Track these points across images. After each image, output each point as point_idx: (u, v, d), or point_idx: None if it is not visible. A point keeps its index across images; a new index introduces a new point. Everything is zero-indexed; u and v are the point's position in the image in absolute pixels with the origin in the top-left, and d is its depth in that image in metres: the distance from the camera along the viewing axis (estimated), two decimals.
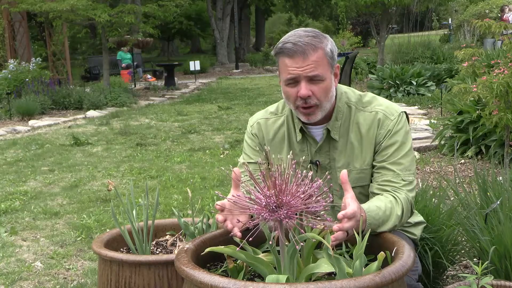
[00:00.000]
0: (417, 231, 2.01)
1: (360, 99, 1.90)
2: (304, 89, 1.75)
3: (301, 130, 1.90)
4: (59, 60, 13.68)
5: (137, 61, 16.75)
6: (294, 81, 1.77)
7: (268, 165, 1.37)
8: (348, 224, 1.47)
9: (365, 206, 1.64)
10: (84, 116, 10.33)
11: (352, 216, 1.48)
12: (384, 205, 1.69)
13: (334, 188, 1.88)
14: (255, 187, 1.37)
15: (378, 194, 1.80)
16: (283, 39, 1.78)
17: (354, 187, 1.85)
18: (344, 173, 1.53)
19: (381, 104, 1.88)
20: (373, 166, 1.86)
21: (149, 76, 17.36)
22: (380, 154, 1.84)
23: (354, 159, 1.87)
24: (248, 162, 1.96)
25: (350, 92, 1.92)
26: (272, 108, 2.01)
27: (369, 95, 1.92)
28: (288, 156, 1.40)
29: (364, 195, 1.89)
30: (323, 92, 1.78)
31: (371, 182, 1.87)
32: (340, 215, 1.47)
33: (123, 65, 16.34)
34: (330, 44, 1.79)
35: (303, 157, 1.91)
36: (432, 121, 7.00)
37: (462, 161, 5.21)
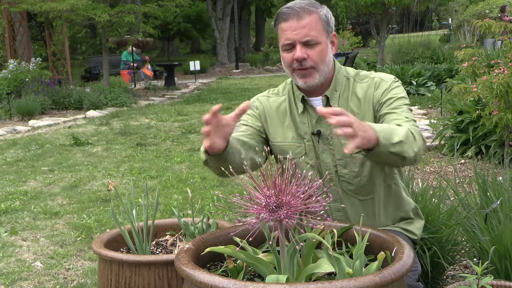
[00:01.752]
0: (418, 230, 2.01)
1: (357, 73, 1.97)
2: (298, 51, 1.81)
3: (303, 100, 1.92)
4: (59, 60, 13.68)
5: (137, 63, 16.72)
6: (290, 46, 1.83)
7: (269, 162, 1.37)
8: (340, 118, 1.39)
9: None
10: (84, 116, 10.32)
11: (340, 112, 1.41)
12: (385, 124, 1.70)
13: (337, 157, 1.90)
14: (255, 187, 1.37)
15: None
16: (281, 8, 1.87)
17: (359, 151, 1.86)
18: (319, 108, 1.45)
19: (377, 73, 1.96)
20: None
21: (149, 66, 17.24)
22: (380, 110, 1.86)
23: None
24: (241, 124, 1.98)
25: (348, 68, 1.99)
26: (273, 90, 2.07)
27: (365, 71, 1.99)
28: (288, 156, 1.40)
29: (369, 162, 1.89)
30: (318, 56, 1.83)
31: None
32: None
33: (135, 64, 16.25)
34: (325, 10, 1.86)
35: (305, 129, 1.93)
36: (432, 121, 7.00)
37: (462, 161, 5.21)
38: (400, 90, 1.88)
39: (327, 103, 1.90)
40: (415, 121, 1.81)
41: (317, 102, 1.92)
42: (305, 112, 1.93)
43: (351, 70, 1.97)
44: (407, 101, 1.88)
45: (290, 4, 1.84)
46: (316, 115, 1.92)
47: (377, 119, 1.87)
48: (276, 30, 1.89)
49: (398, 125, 1.72)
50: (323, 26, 1.83)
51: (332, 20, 1.88)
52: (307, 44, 1.81)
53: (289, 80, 2.00)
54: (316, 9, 1.83)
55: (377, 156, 1.57)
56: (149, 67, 17.40)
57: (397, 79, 1.93)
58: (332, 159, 1.91)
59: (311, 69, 1.83)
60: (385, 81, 1.90)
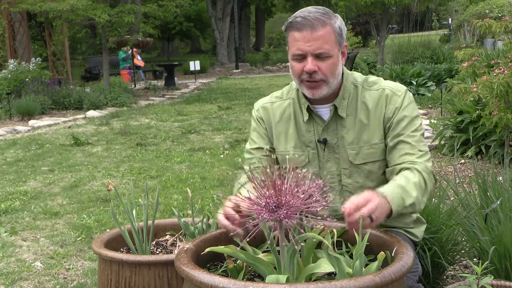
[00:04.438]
0: (419, 233, 1.99)
1: (366, 79, 1.93)
2: (310, 64, 1.77)
3: (308, 109, 1.89)
4: (59, 60, 13.68)
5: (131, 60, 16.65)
6: (301, 57, 1.79)
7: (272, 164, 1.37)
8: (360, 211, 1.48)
9: (378, 191, 1.62)
10: (84, 116, 10.32)
11: (357, 205, 1.50)
12: (396, 182, 1.69)
13: (343, 166, 1.88)
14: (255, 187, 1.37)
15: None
16: (294, 14, 1.82)
17: (365, 163, 1.86)
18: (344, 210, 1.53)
19: (387, 83, 1.92)
20: (386, 145, 1.85)
21: (138, 57, 17.16)
22: (393, 129, 1.84)
23: (364, 134, 1.86)
24: (254, 148, 1.97)
25: (356, 74, 1.96)
26: (276, 93, 2.03)
27: (374, 77, 1.95)
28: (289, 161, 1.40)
29: (374, 174, 1.87)
30: (329, 69, 1.79)
31: (387, 166, 1.85)
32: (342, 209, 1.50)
33: (135, 59, 16.18)
34: (339, 21, 1.81)
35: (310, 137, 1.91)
36: (432, 121, 7.00)
37: (462, 161, 5.21)
38: (412, 108, 1.85)
39: (335, 112, 1.87)
40: (428, 152, 1.81)
41: (324, 111, 1.89)
42: (310, 120, 1.90)
43: (359, 77, 1.93)
44: (419, 120, 1.86)
45: (304, 13, 1.78)
46: (322, 123, 1.88)
47: (387, 136, 1.85)
48: (286, 35, 1.83)
49: (410, 168, 1.74)
50: (336, 38, 1.79)
51: (345, 30, 1.84)
52: (318, 57, 1.77)
53: (294, 84, 1.95)
54: (330, 21, 1.77)
55: (389, 219, 1.64)
56: (139, 57, 17.34)
57: (408, 91, 1.89)
58: (336, 167, 1.88)
59: (320, 82, 1.80)
60: (397, 95, 1.85)
